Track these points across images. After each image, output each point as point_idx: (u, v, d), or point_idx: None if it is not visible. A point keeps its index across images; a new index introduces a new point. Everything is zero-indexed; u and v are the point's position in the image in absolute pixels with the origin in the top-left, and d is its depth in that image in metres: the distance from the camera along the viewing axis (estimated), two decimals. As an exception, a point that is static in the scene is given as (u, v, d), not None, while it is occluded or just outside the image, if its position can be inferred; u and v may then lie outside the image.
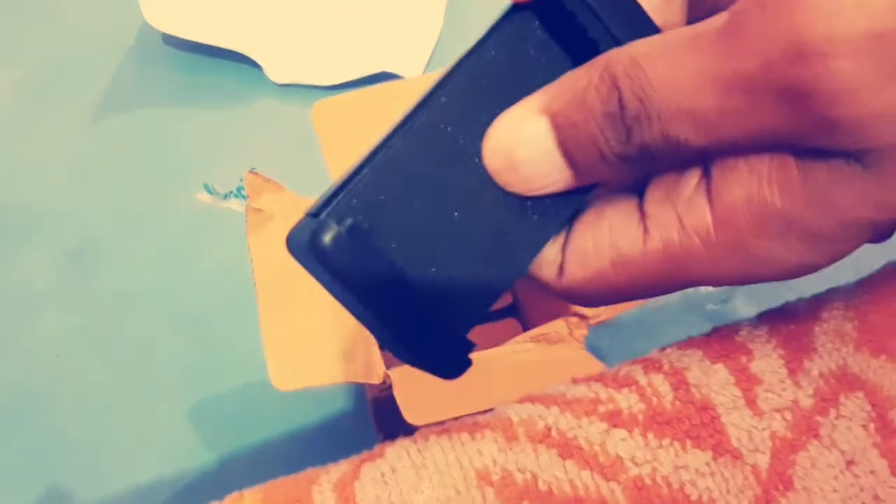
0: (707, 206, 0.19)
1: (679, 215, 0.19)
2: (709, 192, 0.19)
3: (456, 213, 0.21)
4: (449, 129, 0.20)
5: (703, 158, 0.19)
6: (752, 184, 0.18)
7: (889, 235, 0.19)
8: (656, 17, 0.21)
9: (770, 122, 0.17)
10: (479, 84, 0.21)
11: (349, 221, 0.19)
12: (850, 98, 0.16)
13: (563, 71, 0.20)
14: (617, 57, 0.19)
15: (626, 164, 0.19)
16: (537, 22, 0.21)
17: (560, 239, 0.22)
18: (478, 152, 0.21)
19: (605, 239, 0.21)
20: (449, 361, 0.21)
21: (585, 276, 0.21)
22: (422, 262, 0.20)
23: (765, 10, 0.16)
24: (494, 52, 0.21)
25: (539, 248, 0.21)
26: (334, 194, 0.20)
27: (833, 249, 0.19)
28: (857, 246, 0.19)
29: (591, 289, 0.21)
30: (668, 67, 0.18)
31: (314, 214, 0.19)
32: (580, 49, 0.21)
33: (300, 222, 0.20)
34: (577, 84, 0.19)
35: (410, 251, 0.20)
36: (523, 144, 0.20)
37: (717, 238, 0.19)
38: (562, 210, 0.21)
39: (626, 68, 0.18)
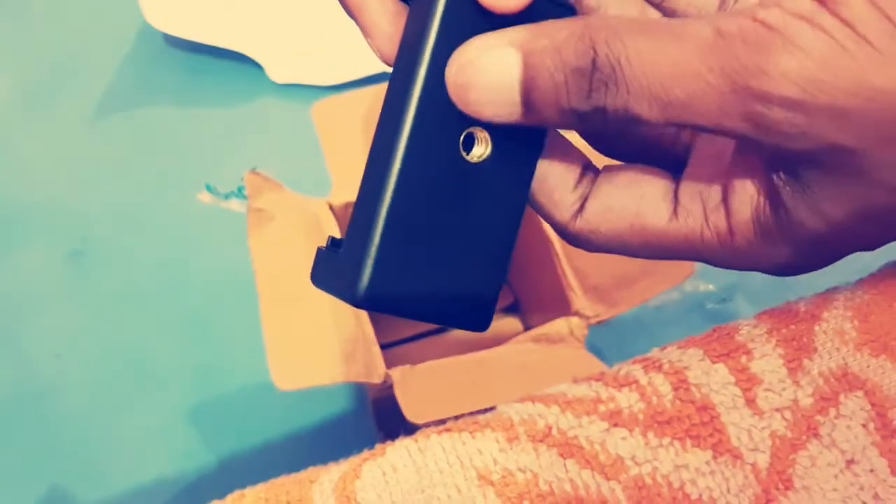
0: (725, 216, 0.22)
1: (706, 214, 0.23)
2: (727, 205, 0.22)
3: (456, 207, 0.22)
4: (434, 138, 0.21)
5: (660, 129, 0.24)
6: (754, 206, 0.22)
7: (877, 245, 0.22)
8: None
9: (731, 124, 0.19)
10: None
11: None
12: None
13: None
14: (599, 24, 0.20)
15: (575, 118, 0.21)
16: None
17: (580, 189, 0.24)
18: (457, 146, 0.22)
19: (633, 205, 0.23)
20: (484, 319, 0.24)
21: (601, 227, 0.24)
22: (441, 257, 0.22)
23: (746, 46, 0.19)
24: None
25: (523, 202, 0.24)
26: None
27: (822, 255, 0.22)
28: (843, 254, 0.22)
29: (601, 238, 0.24)
30: (649, 51, 0.19)
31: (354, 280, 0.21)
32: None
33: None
34: (558, 34, 0.20)
35: (431, 254, 0.22)
36: (488, 70, 0.21)
37: (731, 240, 0.22)
38: (526, 161, 0.23)
39: (608, 37, 0.20)
